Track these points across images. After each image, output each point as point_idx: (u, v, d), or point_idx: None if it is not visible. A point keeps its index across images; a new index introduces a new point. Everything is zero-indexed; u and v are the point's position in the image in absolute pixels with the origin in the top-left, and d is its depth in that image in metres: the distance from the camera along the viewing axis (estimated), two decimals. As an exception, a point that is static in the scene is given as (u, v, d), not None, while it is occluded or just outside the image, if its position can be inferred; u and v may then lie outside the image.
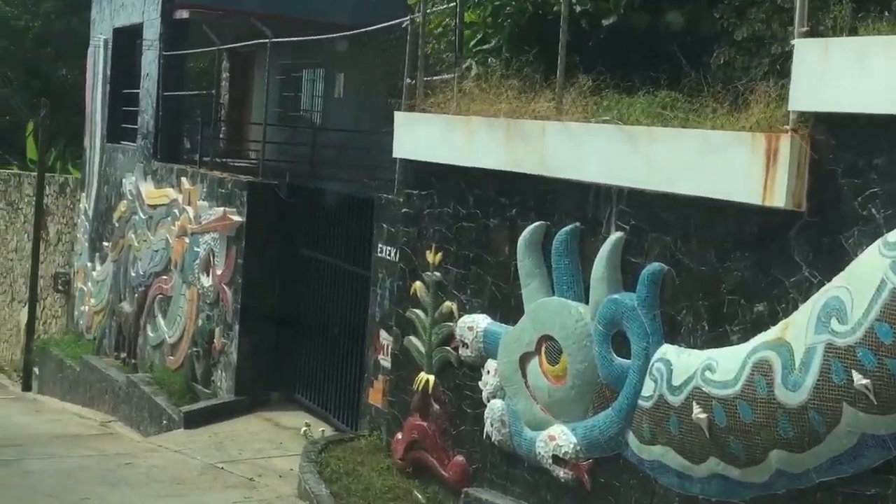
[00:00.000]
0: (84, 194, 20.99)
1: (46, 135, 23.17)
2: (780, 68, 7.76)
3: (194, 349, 14.48)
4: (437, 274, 8.46)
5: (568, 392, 7.03)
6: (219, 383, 13.89)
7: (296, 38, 13.97)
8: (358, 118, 18.43)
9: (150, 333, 16.54)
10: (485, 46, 9.61)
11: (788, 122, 5.59)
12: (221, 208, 13.88)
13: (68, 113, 29.27)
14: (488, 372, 7.82)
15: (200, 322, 14.39)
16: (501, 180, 7.73)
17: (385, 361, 10.08)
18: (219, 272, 13.90)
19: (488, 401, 7.80)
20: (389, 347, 10.02)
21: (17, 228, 26.20)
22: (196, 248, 14.64)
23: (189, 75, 19.08)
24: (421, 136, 8.53)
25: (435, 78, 9.44)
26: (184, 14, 16.62)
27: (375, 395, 10.21)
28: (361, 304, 11.36)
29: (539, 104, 7.29)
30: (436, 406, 8.42)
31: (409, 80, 10.18)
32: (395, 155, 8.93)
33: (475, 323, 7.92)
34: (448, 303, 8.32)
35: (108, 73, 19.97)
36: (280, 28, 15.29)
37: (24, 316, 24.33)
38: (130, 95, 19.63)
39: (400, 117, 8.86)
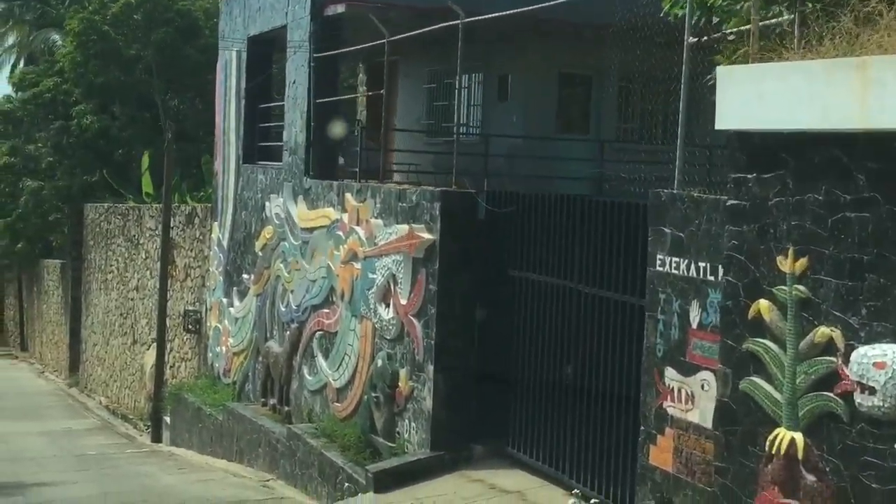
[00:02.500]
0: (217, 223, 18.94)
1: (171, 160, 21.29)
2: None
3: (372, 395, 12.19)
4: (801, 288, 5.98)
5: None
6: (407, 435, 11.55)
7: (509, 12, 11.38)
8: (529, 124, 16.18)
9: (307, 376, 14.32)
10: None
11: None
12: (405, 225, 11.60)
13: (182, 143, 27.58)
14: (917, 429, 5.31)
15: (379, 362, 12.08)
16: (925, 145, 5.26)
17: (675, 409, 7.61)
18: (403, 302, 11.61)
19: (920, 472, 5.29)
20: (683, 391, 7.56)
21: (139, 265, 24.37)
22: (371, 275, 12.38)
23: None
24: (768, 96, 6.08)
25: (746, 28, 7.02)
26: (339, 8, 14.45)
27: (661, 455, 7.73)
28: (613, 335, 8.96)
29: None
30: (810, 477, 5.91)
31: (692, 39, 7.85)
32: (718, 126, 6.48)
33: (889, 357, 5.42)
34: (824, 329, 5.84)
35: (243, 87, 17.98)
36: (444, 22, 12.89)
37: (149, 359, 22.38)
38: (267, 111, 17.66)
39: (726, 73, 6.41)
